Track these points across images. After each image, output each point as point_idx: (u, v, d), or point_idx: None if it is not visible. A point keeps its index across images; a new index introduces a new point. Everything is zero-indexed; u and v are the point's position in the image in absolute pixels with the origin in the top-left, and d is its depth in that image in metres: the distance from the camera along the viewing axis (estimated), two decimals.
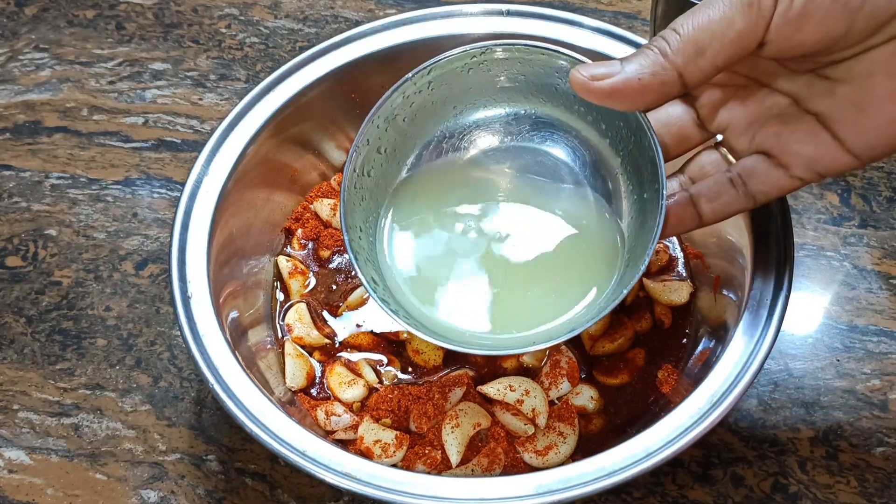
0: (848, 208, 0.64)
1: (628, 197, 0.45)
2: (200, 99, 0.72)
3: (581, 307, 0.44)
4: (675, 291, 0.54)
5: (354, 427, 0.50)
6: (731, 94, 0.41)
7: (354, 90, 0.58)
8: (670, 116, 0.43)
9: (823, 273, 0.61)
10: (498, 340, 0.45)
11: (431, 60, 0.43)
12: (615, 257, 0.45)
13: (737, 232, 0.51)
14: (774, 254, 0.48)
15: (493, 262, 0.46)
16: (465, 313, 0.45)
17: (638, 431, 0.44)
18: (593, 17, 0.57)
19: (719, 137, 0.43)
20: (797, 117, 0.39)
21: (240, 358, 0.47)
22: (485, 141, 0.48)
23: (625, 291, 0.40)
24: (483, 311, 0.45)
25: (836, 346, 0.58)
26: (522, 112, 0.47)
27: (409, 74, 0.43)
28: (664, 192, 0.40)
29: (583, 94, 0.38)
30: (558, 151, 0.47)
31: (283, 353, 0.53)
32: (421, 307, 0.46)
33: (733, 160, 0.42)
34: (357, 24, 0.76)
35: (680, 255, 0.57)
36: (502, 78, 0.45)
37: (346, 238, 0.43)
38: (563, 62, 0.42)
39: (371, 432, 0.49)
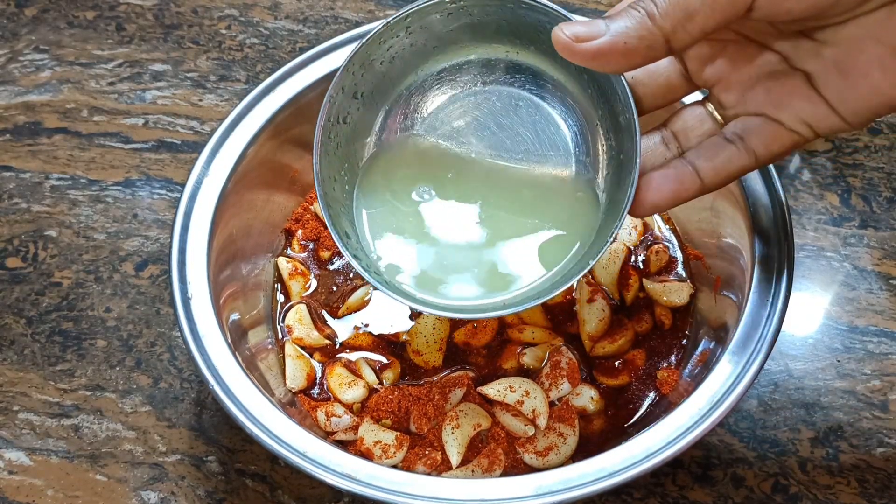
0: (848, 209, 0.64)
1: (607, 152, 0.44)
2: (200, 100, 0.72)
3: (554, 272, 0.44)
4: (676, 292, 0.54)
5: (355, 428, 0.50)
6: (720, 50, 0.40)
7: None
8: (657, 66, 0.42)
9: (824, 274, 0.61)
10: (468, 305, 0.44)
11: (409, 7, 0.42)
12: (590, 219, 0.44)
13: (737, 233, 0.51)
14: (775, 255, 0.48)
15: (465, 225, 0.46)
16: (437, 277, 0.45)
17: (638, 432, 0.44)
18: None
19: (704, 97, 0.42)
20: (787, 74, 0.39)
21: (240, 359, 0.47)
22: (463, 84, 0.47)
23: (592, 262, 0.40)
24: (454, 276, 0.45)
25: (836, 346, 0.58)
26: (503, 57, 0.46)
27: (387, 20, 0.42)
28: (638, 161, 0.39)
29: (566, 54, 0.37)
30: (537, 98, 0.46)
31: (283, 355, 0.53)
32: (391, 269, 0.45)
33: (719, 117, 0.42)
34: (357, 24, 0.76)
35: (680, 255, 0.57)
36: (484, 23, 0.44)
37: (319, 191, 0.42)
38: (546, 16, 0.41)
39: (371, 433, 0.49)
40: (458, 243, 0.45)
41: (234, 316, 0.51)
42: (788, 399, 0.55)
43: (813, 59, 0.37)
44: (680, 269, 0.57)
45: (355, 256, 0.43)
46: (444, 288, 0.45)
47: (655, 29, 0.35)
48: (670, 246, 0.57)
